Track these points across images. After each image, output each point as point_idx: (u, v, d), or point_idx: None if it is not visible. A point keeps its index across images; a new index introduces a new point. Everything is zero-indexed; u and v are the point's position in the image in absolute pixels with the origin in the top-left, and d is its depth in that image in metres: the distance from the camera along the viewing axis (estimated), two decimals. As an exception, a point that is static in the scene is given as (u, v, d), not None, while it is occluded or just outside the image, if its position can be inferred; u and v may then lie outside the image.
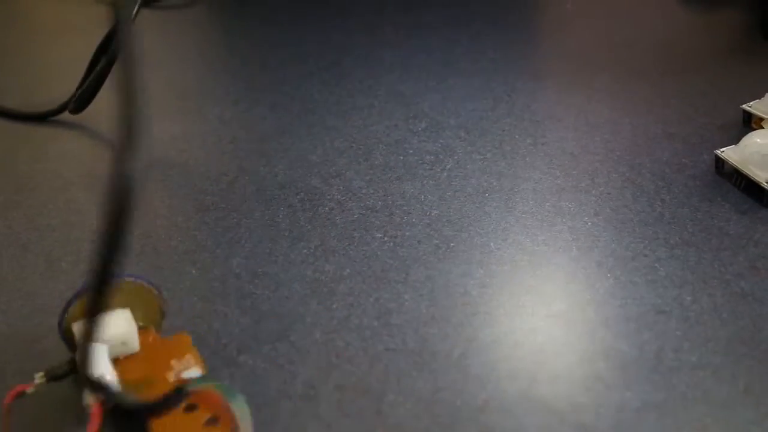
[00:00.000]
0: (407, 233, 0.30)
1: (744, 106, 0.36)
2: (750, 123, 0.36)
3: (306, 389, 0.24)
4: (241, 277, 0.28)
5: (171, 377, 0.22)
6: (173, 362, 0.22)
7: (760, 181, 0.30)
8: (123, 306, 0.23)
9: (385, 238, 0.30)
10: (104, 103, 0.38)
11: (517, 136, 0.36)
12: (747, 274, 0.27)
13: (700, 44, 0.45)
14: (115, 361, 0.22)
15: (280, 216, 0.31)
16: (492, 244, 0.29)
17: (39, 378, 0.21)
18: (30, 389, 0.21)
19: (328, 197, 0.33)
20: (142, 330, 0.23)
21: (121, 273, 0.23)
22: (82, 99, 0.37)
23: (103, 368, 0.21)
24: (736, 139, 0.33)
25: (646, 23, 0.48)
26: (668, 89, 0.40)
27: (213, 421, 0.21)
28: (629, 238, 0.29)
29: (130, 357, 0.23)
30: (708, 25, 0.47)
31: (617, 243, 0.29)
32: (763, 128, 0.34)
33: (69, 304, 0.23)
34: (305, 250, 0.29)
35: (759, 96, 0.36)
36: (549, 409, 0.23)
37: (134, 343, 0.22)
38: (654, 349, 0.24)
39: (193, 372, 0.22)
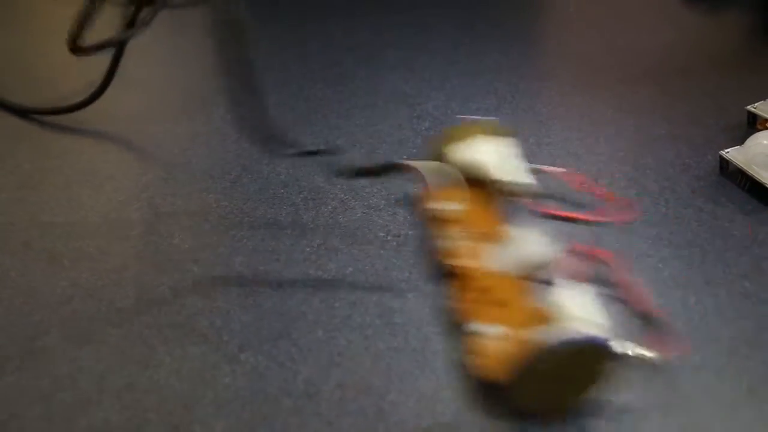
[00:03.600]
0: (410, 232, 0.30)
1: (749, 107, 0.36)
2: (755, 124, 0.35)
3: (307, 387, 0.24)
4: (243, 274, 0.28)
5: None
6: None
7: (765, 182, 0.30)
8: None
9: (388, 237, 0.30)
10: (105, 103, 0.38)
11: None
12: (751, 274, 0.27)
13: (705, 45, 0.44)
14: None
15: (283, 214, 0.31)
16: (495, 243, 0.29)
17: None
18: None
19: (331, 196, 0.33)
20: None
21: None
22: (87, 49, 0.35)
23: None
24: (740, 140, 0.32)
25: (649, 24, 0.48)
26: (672, 90, 0.40)
27: None
28: (633, 238, 0.29)
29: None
30: (712, 26, 0.47)
31: (621, 243, 0.29)
32: (768, 129, 0.34)
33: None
34: (308, 249, 0.29)
35: (764, 97, 0.36)
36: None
37: None
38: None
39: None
